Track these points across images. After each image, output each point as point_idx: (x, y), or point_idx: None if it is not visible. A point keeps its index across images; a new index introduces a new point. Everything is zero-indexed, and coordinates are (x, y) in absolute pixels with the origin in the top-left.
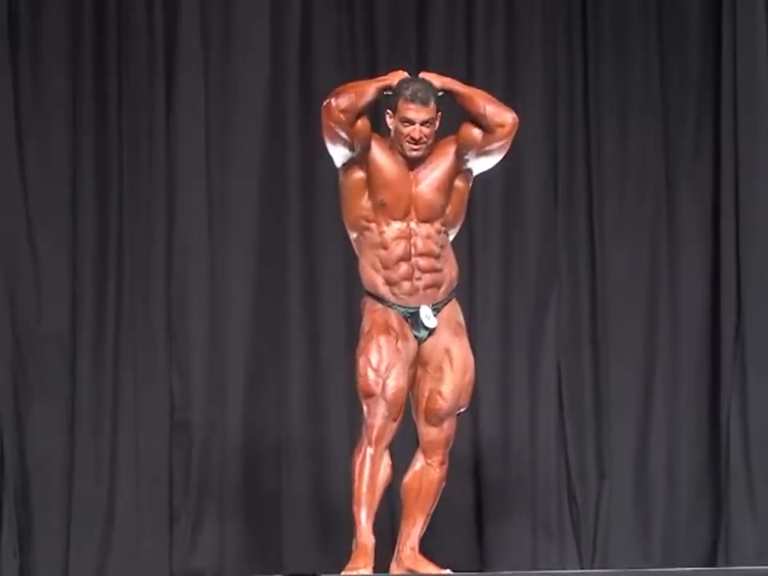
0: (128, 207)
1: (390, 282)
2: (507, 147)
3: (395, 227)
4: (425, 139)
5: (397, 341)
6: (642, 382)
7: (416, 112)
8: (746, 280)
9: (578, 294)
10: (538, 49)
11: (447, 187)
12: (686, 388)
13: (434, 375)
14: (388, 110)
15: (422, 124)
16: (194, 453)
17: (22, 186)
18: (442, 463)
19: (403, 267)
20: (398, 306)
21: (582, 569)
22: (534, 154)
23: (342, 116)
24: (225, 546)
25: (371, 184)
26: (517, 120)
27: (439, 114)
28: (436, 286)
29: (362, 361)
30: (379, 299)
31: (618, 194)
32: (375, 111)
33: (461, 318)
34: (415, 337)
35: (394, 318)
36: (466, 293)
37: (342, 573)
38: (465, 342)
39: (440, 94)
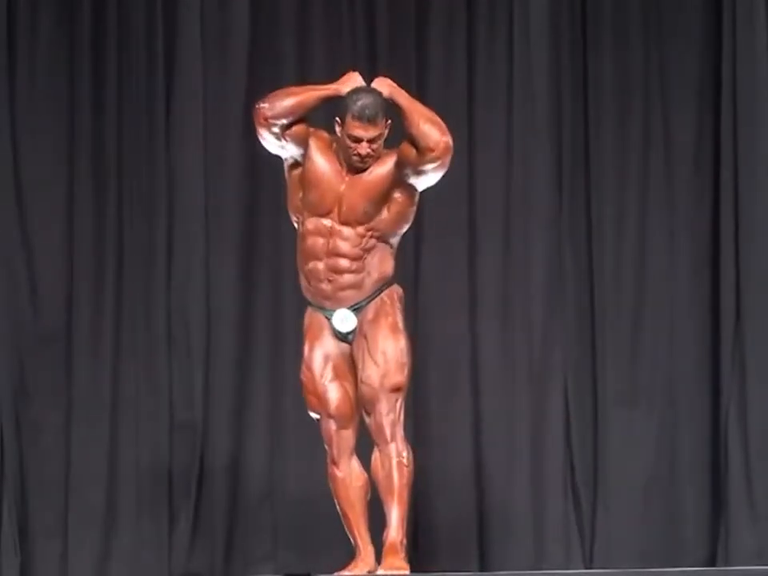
0: (126, 208)
1: (309, 281)
2: (442, 169)
3: (315, 222)
4: (372, 154)
5: (328, 348)
6: (643, 381)
7: (363, 130)
8: (745, 280)
9: (579, 293)
10: (539, 48)
11: (379, 196)
12: (686, 388)
13: (358, 367)
14: (337, 119)
15: (369, 141)
16: (194, 453)
17: (20, 188)
18: (387, 442)
19: (319, 266)
20: (320, 308)
21: (581, 569)
22: (535, 154)
23: (266, 122)
24: (224, 547)
25: (303, 179)
26: (450, 145)
27: (389, 123)
28: (355, 288)
29: (301, 379)
30: (308, 300)
31: (619, 193)
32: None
33: (390, 308)
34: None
35: (321, 322)
36: (466, 292)
37: (343, 572)
38: (385, 327)
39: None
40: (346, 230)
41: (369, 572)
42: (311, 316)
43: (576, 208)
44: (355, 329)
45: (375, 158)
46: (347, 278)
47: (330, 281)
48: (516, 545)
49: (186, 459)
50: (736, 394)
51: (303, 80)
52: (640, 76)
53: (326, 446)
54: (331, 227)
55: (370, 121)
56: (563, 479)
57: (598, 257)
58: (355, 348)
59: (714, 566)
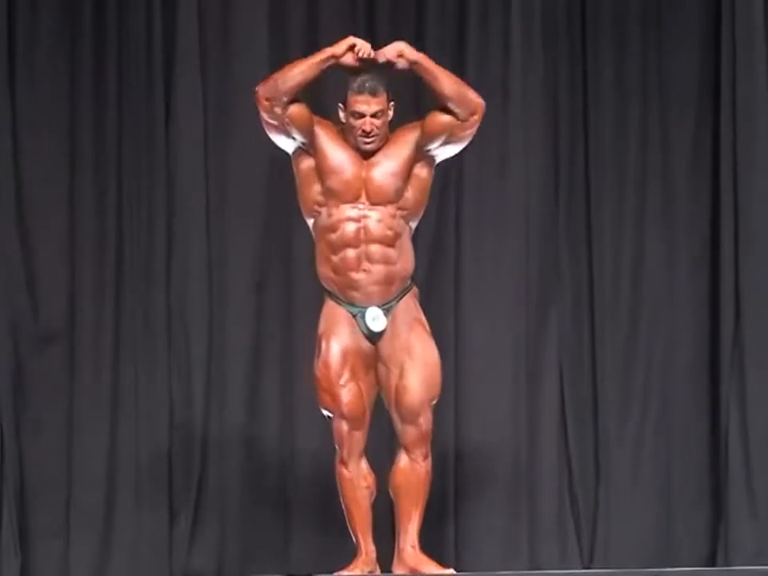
0: (127, 207)
1: (337, 272)
2: (473, 134)
3: (345, 210)
4: (376, 131)
5: (347, 346)
6: (642, 381)
7: (366, 104)
8: (744, 281)
9: (579, 294)
10: (537, 48)
11: (405, 173)
12: (686, 388)
13: (397, 372)
14: (340, 104)
15: (373, 116)
16: (194, 453)
17: (20, 187)
18: (426, 456)
19: (351, 254)
20: (346, 303)
21: (581, 569)
22: (535, 154)
23: (267, 104)
24: (224, 546)
25: (319, 170)
26: (484, 105)
27: (392, 103)
28: (387, 282)
29: (315, 375)
30: (330, 294)
31: (618, 193)
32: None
33: (418, 312)
34: (365, 336)
35: (343, 318)
36: (467, 293)
37: (340, 573)
38: (423, 333)
39: (403, 66)
40: (378, 212)
41: (369, 572)
42: (332, 309)
43: (574, 209)
44: (385, 329)
45: (381, 137)
46: (380, 269)
47: (364, 270)
48: (512, 544)
49: (186, 459)
50: (736, 393)
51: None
52: (639, 77)
53: (337, 446)
54: (363, 211)
55: (372, 93)
56: (559, 479)
57: (597, 257)
58: (387, 350)
59: (714, 566)
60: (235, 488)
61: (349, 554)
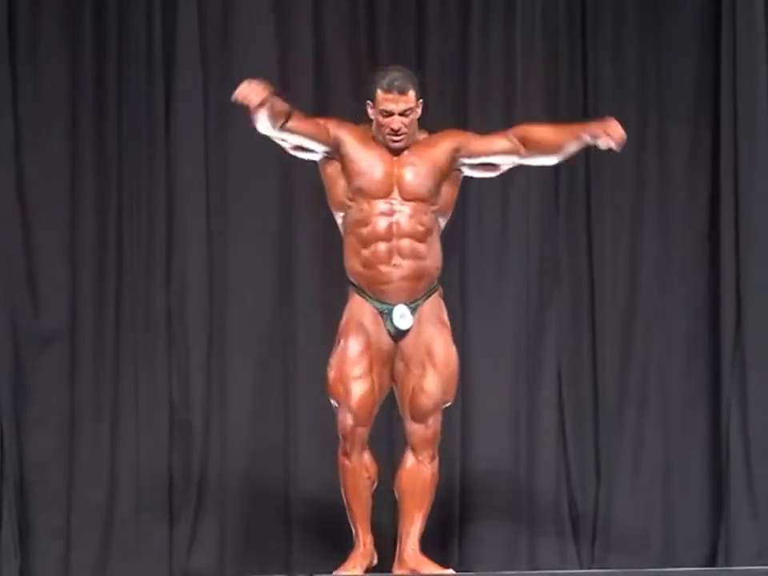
0: (127, 207)
1: (367, 266)
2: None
3: (377, 205)
4: (404, 129)
5: (368, 340)
6: (642, 381)
7: (394, 102)
8: (745, 280)
9: (578, 294)
10: (538, 49)
11: (436, 176)
12: (686, 388)
13: (416, 372)
14: (368, 101)
15: (401, 114)
16: (194, 453)
17: (21, 187)
18: (432, 458)
19: (381, 247)
20: (374, 299)
21: (581, 569)
22: None
23: (269, 133)
24: (224, 547)
25: (347, 173)
26: None
27: (420, 101)
28: (415, 278)
29: (330, 363)
30: (357, 289)
31: (618, 194)
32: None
33: (443, 314)
34: (389, 333)
35: (368, 313)
36: (467, 293)
37: (335, 573)
38: (447, 337)
39: None
40: (410, 207)
41: (369, 564)
42: (358, 304)
43: (574, 209)
44: (411, 327)
45: (410, 135)
46: (409, 264)
47: (394, 265)
48: (512, 545)
49: (186, 459)
50: (737, 393)
51: (304, 80)
52: (638, 77)
53: (340, 436)
54: (395, 206)
55: (401, 91)
56: (561, 479)
57: (597, 257)
58: (408, 348)
59: (714, 565)
60: (235, 488)
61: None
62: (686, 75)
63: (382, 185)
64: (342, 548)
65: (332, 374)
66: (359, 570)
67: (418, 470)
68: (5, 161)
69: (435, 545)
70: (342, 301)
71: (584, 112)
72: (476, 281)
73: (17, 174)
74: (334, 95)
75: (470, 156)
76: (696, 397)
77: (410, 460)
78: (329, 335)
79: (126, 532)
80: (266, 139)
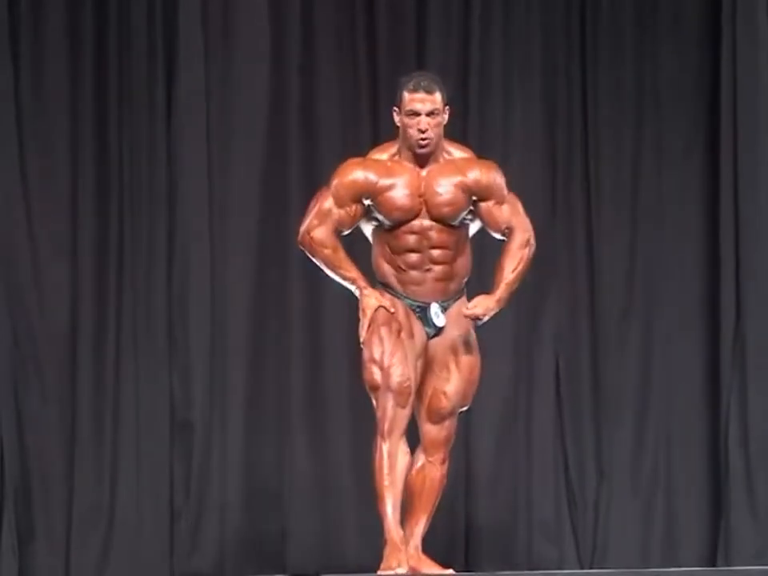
0: (128, 207)
1: (398, 269)
2: None
3: (407, 224)
4: (431, 131)
5: (400, 332)
6: (641, 381)
7: (420, 102)
8: (745, 280)
9: (577, 294)
10: (538, 49)
11: (460, 198)
12: (686, 388)
13: (439, 374)
14: (395, 107)
15: (428, 115)
16: (195, 453)
17: (23, 186)
18: (443, 461)
19: (413, 257)
20: (406, 297)
21: (581, 569)
22: (532, 156)
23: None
24: (225, 546)
25: (384, 211)
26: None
27: (447, 107)
28: (447, 279)
29: (365, 354)
30: (388, 288)
31: (616, 194)
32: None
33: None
34: (426, 332)
35: (400, 310)
36: (467, 292)
37: (378, 572)
38: (472, 342)
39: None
40: (439, 223)
41: (401, 566)
42: (389, 300)
43: (573, 209)
44: (444, 327)
45: (435, 141)
46: (441, 268)
47: (426, 270)
48: (508, 545)
49: (186, 459)
50: (736, 393)
51: (304, 79)
52: (638, 77)
53: (378, 421)
54: (423, 224)
55: (427, 91)
56: (561, 479)
57: (597, 257)
58: (434, 349)
59: (714, 566)
60: (235, 488)
61: (348, 554)
62: (685, 75)
63: (411, 209)
64: (342, 548)
65: (369, 363)
66: (403, 568)
67: (428, 471)
68: (7, 160)
69: (435, 545)
70: (343, 301)
71: (583, 111)
72: (476, 280)
73: (18, 173)
74: (334, 95)
75: (475, 204)
76: (696, 396)
77: (420, 460)
78: (331, 336)
79: (127, 532)
80: (267, 137)
